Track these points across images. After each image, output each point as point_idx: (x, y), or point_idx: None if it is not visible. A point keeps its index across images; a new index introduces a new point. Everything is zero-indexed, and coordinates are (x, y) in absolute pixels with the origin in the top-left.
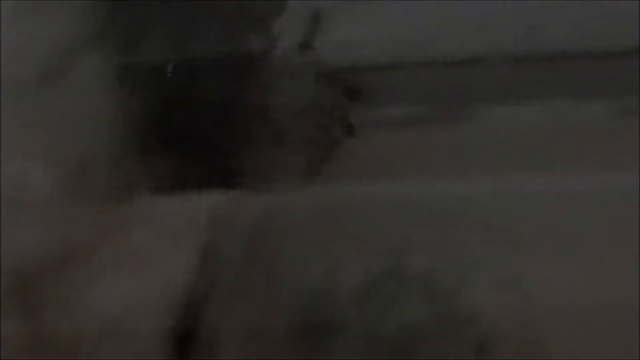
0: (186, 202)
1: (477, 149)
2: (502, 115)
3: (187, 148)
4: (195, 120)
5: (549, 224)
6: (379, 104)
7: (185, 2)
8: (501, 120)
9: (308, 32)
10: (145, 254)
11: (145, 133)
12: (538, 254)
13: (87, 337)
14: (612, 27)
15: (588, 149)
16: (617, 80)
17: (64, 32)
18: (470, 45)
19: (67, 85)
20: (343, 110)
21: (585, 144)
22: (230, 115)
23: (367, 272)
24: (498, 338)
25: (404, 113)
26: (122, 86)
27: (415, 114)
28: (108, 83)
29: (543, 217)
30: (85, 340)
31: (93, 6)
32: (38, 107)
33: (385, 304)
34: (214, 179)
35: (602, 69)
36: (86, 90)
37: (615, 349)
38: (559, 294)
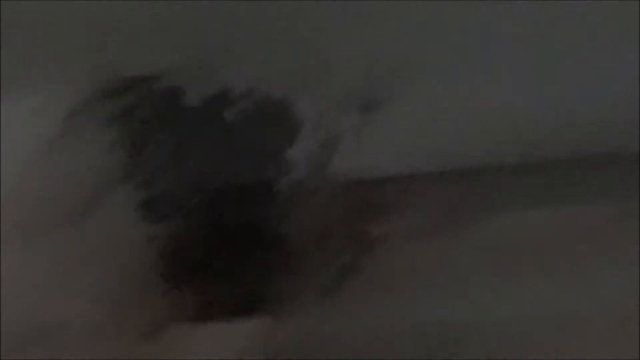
0: (215, 335)
1: (485, 257)
2: (508, 222)
3: (212, 276)
4: (218, 250)
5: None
6: (392, 217)
7: (204, 138)
8: (507, 227)
9: (321, 157)
10: None
11: (171, 263)
12: None
13: None
14: (613, 131)
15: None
16: (619, 184)
17: (92, 169)
18: (474, 155)
19: (97, 222)
20: (360, 227)
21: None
22: (251, 242)
23: None
24: None
25: (416, 224)
26: (148, 218)
27: (427, 224)
28: (135, 217)
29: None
30: None
31: (117, 146)
32: (68, 245)
33: None
34: (238, 306)
35: (604, 173)
36: (114, 225)
37: None
38: None
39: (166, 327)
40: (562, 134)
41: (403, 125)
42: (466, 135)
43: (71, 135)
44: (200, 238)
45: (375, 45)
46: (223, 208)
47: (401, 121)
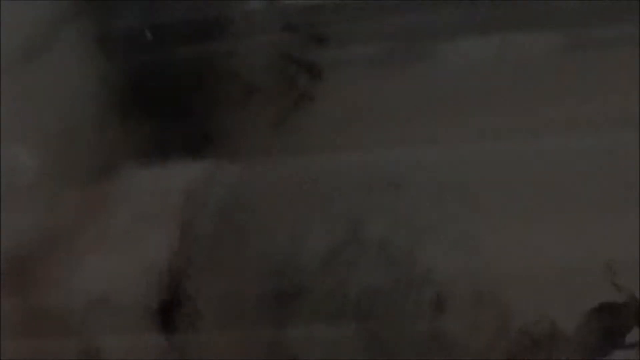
0: (163, 177)
1: (436, 87)
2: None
3: (164, 113)
4: (170, 85)
5: (501, 180)
6: (342, 46)
7: None
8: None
9: None
10: (126, 232)
11: (123, 101)
12: (490, 214)
13: (76, 312)
14: None
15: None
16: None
17: (44, 7)
18: None
19: (48, 61)
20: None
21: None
22: (204, 77)
23: (329, 240)
24: (453, 295)
25: (366, 53)
26: (100, 56)
27: (376, 53)
28: (87, 54)
29: (495, 173)
30: (75, 314)
31: None
32: (19, 84)
33: (346, 269)
34: (190, 142)
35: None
36: (66, 64)
37: (565, 300)
38: (511, 251)
39: (115, 168)
40: None
41: None
42: None
43: None
44: (153, 74)
45: None
46: (176, 44)
47: None
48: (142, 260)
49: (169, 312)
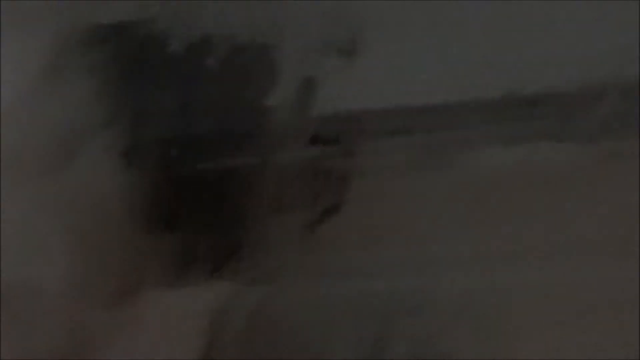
0: (187, 298)
1: (461, 198)
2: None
3: (190, 229)
4: (196, 198)
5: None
6: (369, 156)
7: (185, 84)
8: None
9: (301, 98)
10: (149, 356)
11: (148, 215)
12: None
13: None
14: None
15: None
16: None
17: (71, 118)
18: (453, 91)
19: (74, 173)
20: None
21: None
22: (230, 191)
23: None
24: None
25: (393, 163)
26: (127, 168)
27: (403, 162)
28: (113, 167)
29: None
30: None
31: (99, 91)
32: (47, 192)
33: None
34: (215, 259)
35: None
36: (92, 176)
37: None
38: None
39: (140, 288)
40: (544, 70)
41: (381, 67)
42: (446, 72)
43: (52, 83)
44: (180, 186)
45: None
46: (202, 157)
47: (379, 63)
48: None
49: None
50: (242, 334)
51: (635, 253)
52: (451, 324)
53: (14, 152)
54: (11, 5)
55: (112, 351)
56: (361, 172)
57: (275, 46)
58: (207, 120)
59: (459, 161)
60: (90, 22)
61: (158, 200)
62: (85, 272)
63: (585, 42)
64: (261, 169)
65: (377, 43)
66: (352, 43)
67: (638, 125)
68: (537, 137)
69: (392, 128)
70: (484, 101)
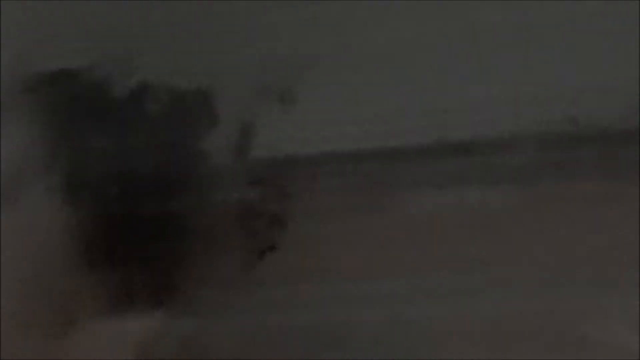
0: (121, 328)
1: (395, 238)
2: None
3: (129, 264)
4: (136, 236)
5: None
6: (306, 198)
7: (124, 126)
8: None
9: (239, 142)
10: None
11: (88, 251)
12: None
13: None
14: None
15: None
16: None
17: (14, 158)
18: (387, 137)
19: (15, 209)
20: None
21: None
22: (168, 229)
23: None
24: None
25: (332, 204)
26: (68, 205)
27: (344, 203)
28: (54, 204)
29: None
30: None
31: (41, 135)
32: None
33: None
34: (153, 294)
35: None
36: (33, 213)
37: None
38: None
39: (78, 320)
40: (478, 115)
41: (318, 112)
42: (376, 119)
43: None
44: (118, 226)
45: (292, 39)
46: (142, 196)
47: (315, 108)
48: None
49: None
50: None
51: (565, 292)
52: (373, 355)
53: None
54: None
55: None
56: (298, 213)
57: (213, 91)
58: (146, 162)
59: (393, 203)
60: (33, 68)
61: (97, 237)
62: (24, 305)
63: (515, 86)
64: (198, 210)
65: (313, 88)
66: (289, 88)
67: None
68: (470, 180)
69: (328, 171)
70: (418, 146)
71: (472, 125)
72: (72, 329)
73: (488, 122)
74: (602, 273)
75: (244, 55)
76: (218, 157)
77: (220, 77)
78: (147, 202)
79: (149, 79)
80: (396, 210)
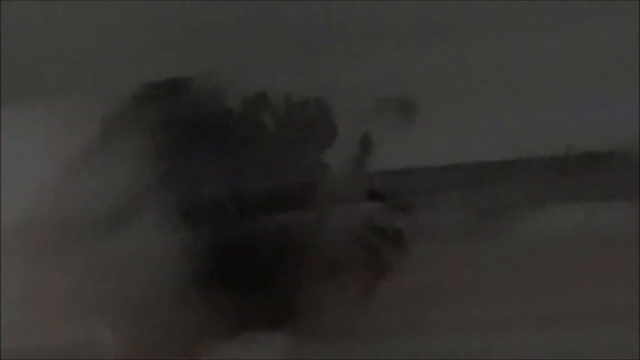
0: (243, 354)
1: (520, 259)
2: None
3: (247, 286)
4: (253, 257)
5: None
6: (428, 214)
7: (239, 145)
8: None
9: (357, 157)
10: None
11: (205, 273)
12: None
13: None
14: None
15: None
16: None
17: (127, 179)
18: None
19: (130, 231)
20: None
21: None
22: (287, 248)
23: None
24: None
25: (451, 222)
26: (183, 226)
27: (462, 222)
28: (169, 225)
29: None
30: None
31: (154, 153)
32: (102, 255)
33: None
34: (273, 317)
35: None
36: (148, 234)
37: None
38: None
39: (196, 344)
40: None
41: (438, 124)
42: (502, 130)
43: (107, 144)
44: (236, 245)
45: (414, 49)
46: (259, 213)
47: (436, 120)
48: None
49: None
50: None
51: None
52: None
53: (70, 216)
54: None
55: None
56: (420, 230)
57: (332, 102)
58: (264, 177)
59: (517, 223)
60: (144, 80)
61: (214, 259)
62: (141, 328)
63: None
64: (318, 225)
65: (434, 100)
66: (409, 100)
67: None
68: (596, 196)
69: (449, 184)
70: (543, 158)
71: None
72: (190, 355)
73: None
74: None
75: (365, 64)
76: (337, 169)
77: (340, 87)
78: (265, 219)
79: (265, 89)
80: (521, 228)
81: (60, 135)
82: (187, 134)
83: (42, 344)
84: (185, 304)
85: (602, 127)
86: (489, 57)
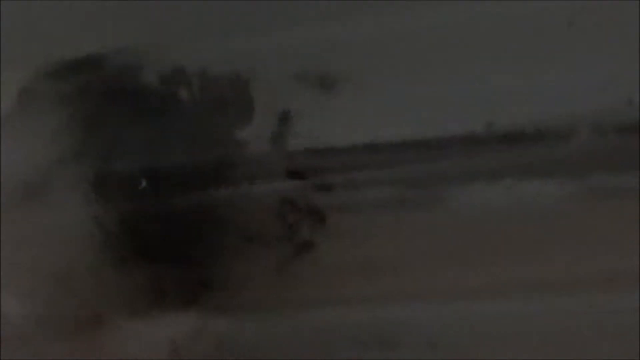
0: (152, 328)
1: (444, 236)
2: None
3: (160, 260)
4: (167, 232)
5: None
6: (348, 192)
7: (156, 118)
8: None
9: (276, 134)
10: None
11: (118, 247)
12: None
13: None
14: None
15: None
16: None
17: (40, 152)
18: (437, 126)
19: (42, 204)
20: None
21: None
22: (202, 224)
23: None
24: None
25: (373, 199)
26: (97, 200)
27: (383, 199)
28: (83, 198)
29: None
30: None
31: (67, 126)
32: (12, 228)
33: None
34: (186, 291)
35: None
36: (61, 207)
37: None
38: None
39: (107, 318)
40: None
41: (360, 100)
42: (425, 106)
43: (19, 117)
44: (150, 220)
45: (332, 27)
46: (174, 189)
47: (358, 96)
48: None
49: None
50: None
51: (625, 291)
52: (419, 355)
53: None
54: None
55: None
56: (340, 208)
57: (250, 78)
58: (178, 153)
59: (439, 197)
60: (60, 55)
61: (128, 232)
62: (50, 301)
63: (572, 73)
64: (234, 202)
65: (356, 76)
66: (331, 75)
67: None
68: (522, 173)
69: (370, 162)
70: (466, 135)
71: (525, 113)
72: (102, 328)
73: (543, 110)
74: None
75: (282, 39)
76: (254, 146)
77: (258, 62)
78: (180, 196)
79: (183, 64)
80: (442, 204)
81: None
82: (101, 108)
83: None
84: (97, 279)
85: (525, 103)
86: (412, 29)
